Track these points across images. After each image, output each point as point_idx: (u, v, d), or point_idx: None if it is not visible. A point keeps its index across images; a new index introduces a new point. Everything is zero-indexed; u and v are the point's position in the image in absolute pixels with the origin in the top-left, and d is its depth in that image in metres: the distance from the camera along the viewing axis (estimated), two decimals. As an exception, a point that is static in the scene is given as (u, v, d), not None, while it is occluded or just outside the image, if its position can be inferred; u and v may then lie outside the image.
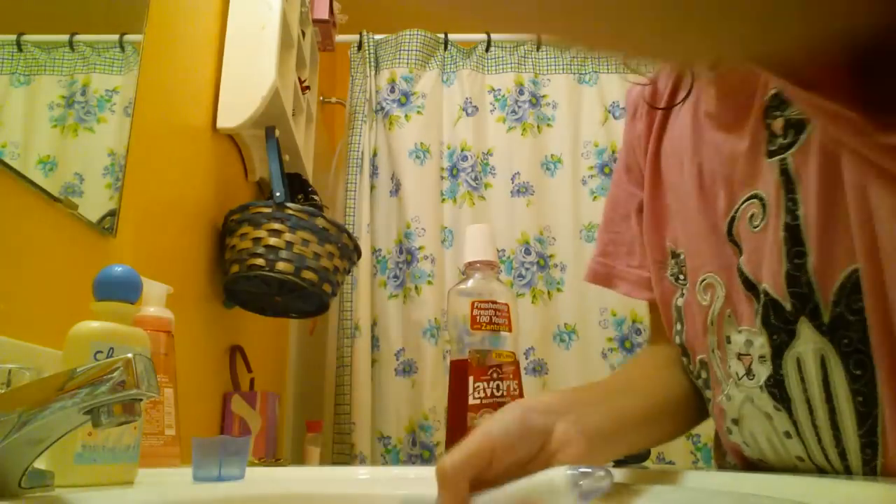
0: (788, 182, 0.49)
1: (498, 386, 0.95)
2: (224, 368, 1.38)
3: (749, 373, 0.52)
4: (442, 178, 2.02)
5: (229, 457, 0.59)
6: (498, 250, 1.93)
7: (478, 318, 1.00)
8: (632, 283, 0.70)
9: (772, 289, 0.50)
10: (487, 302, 1.01)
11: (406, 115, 2.06)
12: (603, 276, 0.72)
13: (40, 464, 0.43)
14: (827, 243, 0.47)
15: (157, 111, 1.06)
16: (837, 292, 0.46)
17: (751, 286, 0.52)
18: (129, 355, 0.40)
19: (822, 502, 0.36)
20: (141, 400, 0.42)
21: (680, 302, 0.62)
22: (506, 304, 1.03)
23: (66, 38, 0.82)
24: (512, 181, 2.02)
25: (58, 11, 0.83)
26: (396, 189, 2.03)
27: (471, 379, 0.95)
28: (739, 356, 0.53)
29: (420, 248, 1.96)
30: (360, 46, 2.13)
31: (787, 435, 0.50)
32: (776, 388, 0.50)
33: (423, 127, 2.05)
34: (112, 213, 0.90)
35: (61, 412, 0.40)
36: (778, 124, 0.49)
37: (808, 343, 0.48)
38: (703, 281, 0.58)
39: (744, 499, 0.43)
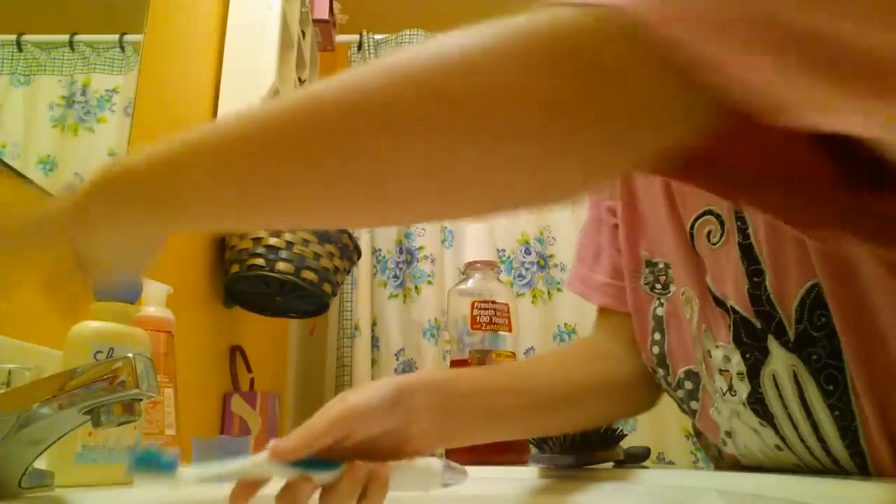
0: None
1: (498, 386, 0.95)
2: (224, 368, 1.38)
3: (731, 389, 0.51)
4: (442, 178, 2.02)
5: (229, 457, 0.59)
6: (498, 250, 1.93)
7: (478, 318, 1.00)
8: (590, 287, 0.70)
9: (739, 307, 0.49)
10: (487, 302, 1.01)
11: None
12: (569, 281, 0.73)
13: (40, 464, 0.43)
14: (780, 261, 0.46)
15: (157, 111, 1.06)
16: (798, 309, 0.46)
17: (720, 302, 0.51)
18: (129, 355, 0.40)
19: (823, 502, 0.37)
20: (141, 400, 0.42)
21: (660, 311, 0.61)
22: (506, 304, 1.03)
23: (66, 38, 0.82)
24: (512, 181, 2.03)
25: (58, 11, 0.83)
26: (396, 189, 2.03)
27: (471, 379, 0.95)
28: (721, 371, 0.52)
29: (420, 248, 1.96)
30: (360, 46, 2.13)
31: (778, 448, 0.50)
32: (758, 405, 0.50)
33: None
34: (112, 213, 0.90)
35: (61, 412, 0.40)
36: None
37: (779, 361, 0.47)
38: (683, 293, 0.57)
39: (744, 499, 0.43)
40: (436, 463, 0.47)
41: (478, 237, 1.07)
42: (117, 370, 0.40)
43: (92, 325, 0.54)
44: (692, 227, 0.53)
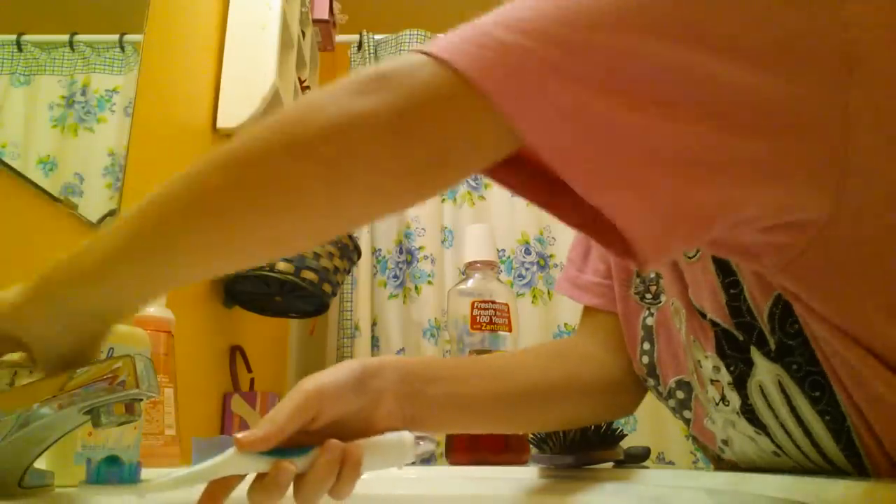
0: None
1: (498, 386, 0.95)
2: (224, 368, 1.38)
3: (724, 399, 0.51)
4: (442, 177, 2.02)
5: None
6: (498, 250, 1.93)
7: (478, 318, 1.00)
8: (578, 287, 0.70)
9: (719, 319, 0.49)
10: (487, 302, 1.01)
11: None
12: (557, 283, 0.74)
13: (40, 464, 0.43)
14: (753, 272, 0.46)
15: (157, 111, 1.06)
16: (769, 319, 0.46)
17: (702, 315, 0.51)
18: (129, 355, 0.40)
19: (823, 503, 0.37)
20: (141, 400, 0.42)
21: (650, 321, 0.60)
22: (506, 304, 1.03)
23: (66, 38, 0.82)
24: (512, 181, 2.02)
25: (58, 11, 0.83)
26: (396, 189, 2.03)
27: (471, 379, 0.95)
28: (712, 381, 0.52)
29: (420, 248, 1.96)
30: (360, 46, 2.13)
31: (776, 454, 0.50)
32: (750, 414, 0.50)
33: None
34: (112, 213, 0.90)
35: (61, 412, 0.40)
36: None
37: (764, 371, 0.47)
38: (672, 304, 0.57)
39: (744, 499, 0.43)
40: (407, 436, 0.47)
41: (478, 237, 1.07)
42: (117, 370, 0.40)
43: (92, 325, 0.54)
44: None
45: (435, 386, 0.54)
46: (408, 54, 0.35)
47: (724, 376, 0.50)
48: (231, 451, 0.41)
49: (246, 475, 0.43)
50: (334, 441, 0.44)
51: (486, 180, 2.12)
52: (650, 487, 0.55)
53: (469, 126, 0.34)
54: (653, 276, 0.61)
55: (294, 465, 0.42)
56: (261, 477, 0.42)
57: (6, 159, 0.69)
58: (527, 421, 0.62)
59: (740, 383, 0.49)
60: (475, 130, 0.35)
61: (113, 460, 0.39)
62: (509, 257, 1.95)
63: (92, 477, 0.40)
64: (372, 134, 0.34)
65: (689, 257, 0.51)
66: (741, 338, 0.48)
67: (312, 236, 0.39)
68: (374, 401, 0.49)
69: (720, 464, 0.60)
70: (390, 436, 0.47)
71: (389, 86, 0.34)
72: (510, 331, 1.02)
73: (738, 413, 0.51)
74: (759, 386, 0.48)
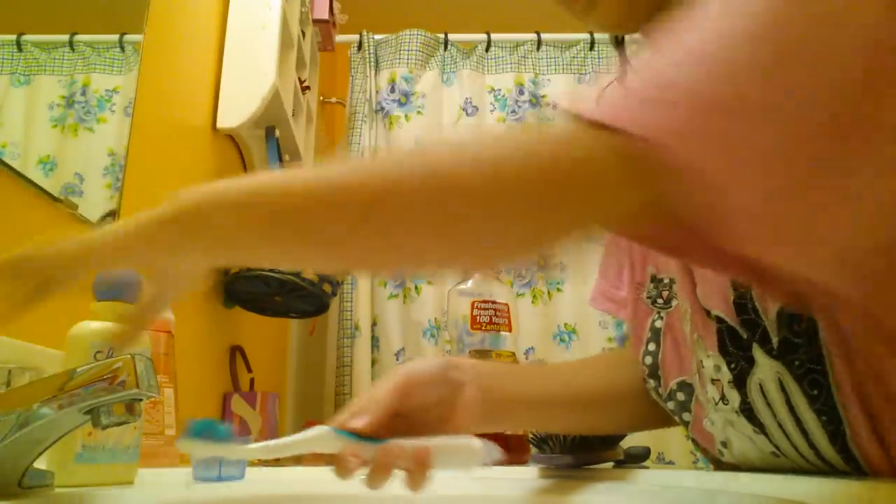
0: None
1: (498, 386, 0.96)
2: (224, 368, 1.38)
3: (723, 398, 0.52)
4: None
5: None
6: (498, 250, 1.93)
7: (478, 318, 1.00)
8: (615, 302, 0.70)
9: (725, 315, 0.50)
10: (487, 302, 1.01)
11: (406, 116, 2.06)
12: (592, 297, 0.74)
13: (40, 464, 0.43)
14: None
15: (157, 111, 1.06)
16: (777, 317, 0.46)
17: (707, 313, 0.52)
18: (129, 355, 0.40)
19: (823, 502, 0.37)
20: (141, 400, 0.42)
21: (659, 324, 0.61)
22: (506, 304, 1.03)
23: (66, 38, 0.82)
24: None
25: (58, 11, 0.83)
26: (396, 189, 2.03)
27: (471, 379, 0.95)
28: (712, 381, 0.53)
29: (420, 248, 1.96)
30: (360, 46, 2.13)
31: (775, 455, 0.50)
32: (748, 413, 0.50)
33: (424, 127, 2.05)
34: (112, 213, 0.90)
35: (61, 412, 0.40)
36: None
37: (765, 369, 0.47)
38: (682, 306, 0.57)
39: (743, 499, 0.43)
40: (476, 441, 0.49)
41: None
42: (117, 370, 0.40)
43: (92, 325, 0.54)
44: None
45: (512, 379, 0.58)
46: (570, 120, 0.35)
47: (725, 375, 0.51)
48: (321, 429, 0.46)
49: None
50: (396, 443, 0.47)
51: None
52: (650, 487, 0.55)
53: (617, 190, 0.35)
54: (666, 281, 0.61)
55: (360, 456, 0.46)
56: (339, 456, 0.46)
57: (6, 159, 0.69)
58: (596, 424, 0.65)
59: (740, 381, 0.49)
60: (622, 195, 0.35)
61: (210, 422, 0.41)
62: (509, 257, 1.95)
63: (190, 433, 0.42)
64: (538, 187, 0.35)
65: None
66: (744, 335, 0.48)
67: (455, 261, 0.41)
68: (456, 391, 0.53)
69: (720, 466, 0.60)
70: (459, 439, 0.49)
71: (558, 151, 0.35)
72: (510, 331, 1.02)
73: (737, 412, 0.51)
74: (759, 384, 0.48)
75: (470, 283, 1.04)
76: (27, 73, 0.75)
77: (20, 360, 0.60)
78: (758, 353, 0.48)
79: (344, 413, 0.49)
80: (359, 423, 0.48)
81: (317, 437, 0.46)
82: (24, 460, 0.42)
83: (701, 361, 0.54)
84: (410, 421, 0.50)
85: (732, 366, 0.50)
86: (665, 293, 0.61)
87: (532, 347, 1.90)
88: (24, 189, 0.72)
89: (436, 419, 0.51)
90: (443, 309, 1.88)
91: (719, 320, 0.50)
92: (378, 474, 0.46)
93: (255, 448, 0.44)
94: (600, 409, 0.64)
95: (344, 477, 0.46)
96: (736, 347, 0.49)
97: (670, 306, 0.61)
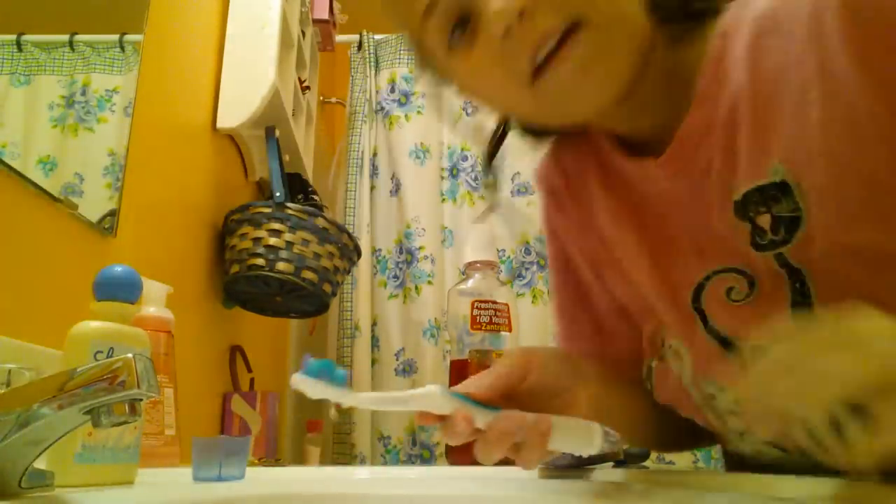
0: (793, 272, 0.47)
1: (498, 386, 0.95)
2: (224, 368, 1.38)
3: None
4: (442, 178, 2.02)
5: (229, 457, 0.59)
6: (498, 250, 1.93)
7: (478, 318, 1.00)
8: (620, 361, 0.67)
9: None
10: (487, 302, 1.01)
11: (406, 115, 2.06)
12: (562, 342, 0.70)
13: (40, 464, 0.43)
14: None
15: (157, 111, 1.06)
16: None
17: (730, 345, 0.50)
18: (129, 355, 0.40)
19: (823, 502, 0.37)
20: (141, 400, 0.42)
21: (654, 363, 0.60)
22: (506, 304, 1.03)
23: (66, 38, 0.82)
24: (512, 181, 2.02)
25: (58, 11, 0.83)
26: (396, 189, 2.03)
27: (471, 379, 0.95)
28: (733, 413, 0.52)
29: (420, 248, 1.96)
30: (360, 46, 2.13)
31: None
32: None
33: (424, 127, 2.05)
34: (112, 213, 0.90)
35: (61, 412, 0.40)
36: (765, 220, 0.48)
37: None
38: (670, 346, 0.56)
39: (743, 499, 0.43)
40: (596, 426, 0.46)
41: (478, 237, 1.07)
42: (117, 370, 0.39)
43: (92, 324, 0.54)
44: (705, 281, 0.52)
45: (626, 387, 0.57)
46: None
47: None
48: (433, 387, 0.43)
49: None
50: (516, 411, 0.44)
51: (486, 180, 2.12)
52: (650, 488, 0.55)
53: None
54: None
55: (472, 419, 0.43)
56: (444, 417, 0.44)
57: (6, 159, 0.69)
58: (658, 442, 0.64)
59: None
60: None
61: (329, 363, 0.40)
62: (509, 257, 1.95)
63: (306, 371, 0.41)
64: None
65: (735, 300, 0.50)
66: None
67: None
68: (580, 381, 0.51)
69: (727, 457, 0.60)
70: (580, 420, 0.47)
71: None
72: (510, 331, 1.02)
73: (768, 442, 0.50)
74: None
75: (470, 283, 1.04)
76: (27, 73, 0.75)
77: (20, 360, 0.60)
78: None
79: (468, 384, 0.47)
80: (477, 388, 0.45)
81: (428, 394, 0.43)
82: (24, 460, 0.41)
83: (711, 395, 0.53)
84: (521, 403, 0.47)
85: None
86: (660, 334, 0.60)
87: (532, 347, 1.90)
88: (24, 189, 0.72)
89: (550, 406, 0.48)
90: (443, 309, 1.88)
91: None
92: (494, 443, 0.44)
93: (367, 397, 0.43)
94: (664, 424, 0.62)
95: (451, 441, 0.43)
96: None
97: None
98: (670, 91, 0.52)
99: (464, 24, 0.48)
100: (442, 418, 0.44)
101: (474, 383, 0.46)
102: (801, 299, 0.47)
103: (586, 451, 0.46)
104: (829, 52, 0.43)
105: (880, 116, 0.42)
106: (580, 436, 0.46)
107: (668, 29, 0.51)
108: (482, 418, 0.43)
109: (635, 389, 0.59)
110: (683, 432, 0.62)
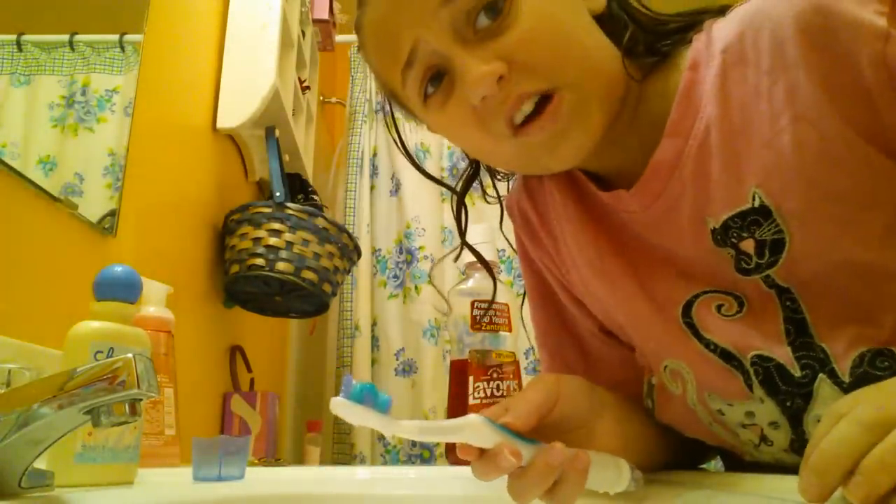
0: (782, 290, 0.48)
1: (498, 386, 0.95)
2: (224, 368, 1.38)
3: (765, 440, 0.51)
4: (442, 178, 2.02)
5: (229, 457, 0.59)
6: (498, 250, 1.93)
7: (478, 318, 1.00)
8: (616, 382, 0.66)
9: (774, 356, 0.48)
10: (487, 302, 1.01)
11: (406, 115, 2.06)
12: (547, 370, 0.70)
13: (40, 464, 0.43)
14: (839, 332, 0.46)
15: (157, 111, 1.06)
16: (856, 362, 0.45)
17: (730, 358, 0.50)
18: (129, 355, 0.40)
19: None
20: (141, 400, 0.42)
21: (654, 380, 0.59)
22: (506, 305, 1.03)
23: (66, 38, 0.82)
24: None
25: (58, 11, 0.83)
26: (396, 189, 2.03)
27: (471, 379, 0.95)
28: (745, 426, 0.52)
29: (420, 248, 1.96)
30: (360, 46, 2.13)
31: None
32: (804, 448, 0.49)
33: (424, 127, 2.05)
34: (112, 213, 0.90)
35: (61, 412, 0.40)
36: (749, 245, 0.48)
37: (828, 403, 0.46)
38: (665, 367, 0.56)
39: (743, 499, 0.43)
40: (624, 463, 0.45)
41: (478, 237, 1.07)
42: (117, 370, 0.40)
43: (92, 325, 0.54)
44: (694, 299, 0.52)
45: (639, 415, 0.57)
46: None
47: (765, 417, 0.50)
48: (475, 418, 0.41)
49: None
50: (560, 444, 0.41)
51: (486, 181, 2.12)
52: (650, 487, 0.55)
53: None
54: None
55: (520, 455, 0.41)
56: (484, 451, 0.41)
57: (6, 159, 0.69)
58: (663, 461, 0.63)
59: (795, 419, 0.48)
60: None
61: (371, 387, 0.39)
62: (509, 257, 1.96)
63: (349, 394, 0.40)
64: None
65: (728, 315, 0.50)
66: (799, 374, 0.47)
67: None
68: (598, 412, 0.50)
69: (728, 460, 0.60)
70: (609, 456, 0.45)
71: None
72: (510, 331, 1.02)
73: (786, 451, 0.50)
74: (818, 419, 0.46)
75: (470, 283, 1.04)
76: (27, 73, 0.75)
77: (20, 360, 0.60)
78: (823, 386, 0.46)
79: (495, 408, 0.44)
80: (516, 418, 0.42)
81: (470, 425, 0.41)
82: (24, 460, 0.41)
83: (719, 410, 0.53)
84: (545, 433, 0.44)
85: (788, 403, 0.48)
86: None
87: (532, 347, 1.90)
88: (24, 189, 0.72)
89: (572, 438, 0.46)
90: (443, 309, 1.88)
91: (762, 360, 0.49)
92: (537, 479, 0.41)
93: (409, 426, 0.40)
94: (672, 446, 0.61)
95: (489, 476, 0.41)
96: (789, 385, 0.48)
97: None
98: (640, 124, 0.53)
99: (440, 77, 0.50)
100: (482, 451, 0.41)
101: (512, 412, 0.43)
102: (793, 314, 0.48)
103: (613, 490, 0.45)
104: (795, 79, 0.44)
105: (849, 136, 0.43)
106: (610, 473, 0.44)
107: (639, 65, 0.53)
108: (525, 452, 0.41)
109: (648, 417, 0.59)
110: (693, 451, 0.62)
